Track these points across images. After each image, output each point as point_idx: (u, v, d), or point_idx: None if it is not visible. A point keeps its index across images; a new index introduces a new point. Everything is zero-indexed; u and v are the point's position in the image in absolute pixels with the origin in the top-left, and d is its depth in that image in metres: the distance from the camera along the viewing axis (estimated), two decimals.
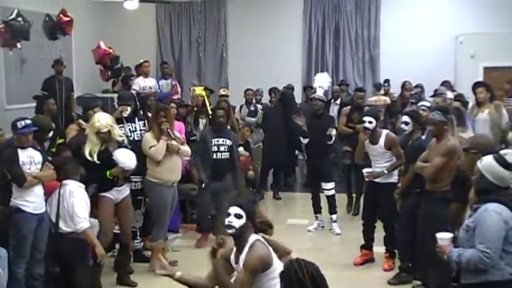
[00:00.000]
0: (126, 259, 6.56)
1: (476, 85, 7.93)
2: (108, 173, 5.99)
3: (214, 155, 7.48)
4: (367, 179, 6.74)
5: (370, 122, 6.60)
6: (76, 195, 5.63)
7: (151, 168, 6.53)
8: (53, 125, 6.52)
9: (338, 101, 11.29)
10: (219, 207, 7.48)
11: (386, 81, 11.97)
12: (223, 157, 7.49)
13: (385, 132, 6.75)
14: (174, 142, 6.57)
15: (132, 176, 6.49)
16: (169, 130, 6.54)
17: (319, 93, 8.24)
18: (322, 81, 8.49)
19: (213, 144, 7.49)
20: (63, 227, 5.64)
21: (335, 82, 12.59)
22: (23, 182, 5.44)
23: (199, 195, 7.81)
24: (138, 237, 7.00)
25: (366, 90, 9.92)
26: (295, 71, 13.50)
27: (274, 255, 3.70)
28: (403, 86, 11.21)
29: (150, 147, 6.45)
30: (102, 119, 6.03)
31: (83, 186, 5.77)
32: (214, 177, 7.46)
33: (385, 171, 6.56)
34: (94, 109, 7.08)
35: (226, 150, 7.51)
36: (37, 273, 5.66)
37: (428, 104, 7.17)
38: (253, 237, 3.69)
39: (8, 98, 10.58)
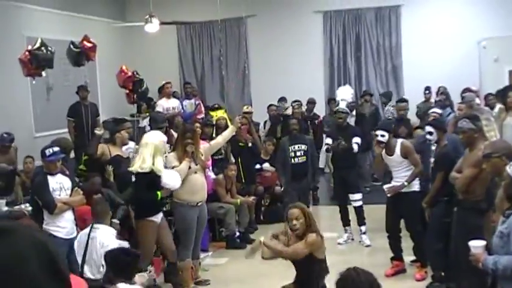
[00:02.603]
0: (177, 278, 6.52)
1: (508, 89, 7.83)
2: (159, 194, 5.99)
3: (292, 160, 8.23)
4: (389, 195, 6.71)
5: (382, 136, 6.63)
6: (108, 246, 5.36)
7: (177, 189, 6.54)
8: (72, 144, 6.57)
9: (354, 113, 11.22)
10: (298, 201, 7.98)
11: (428, 88, 11.76)
12: (300, 161, 8.25)
13: (399, 141, 6.76)
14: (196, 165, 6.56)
15: None
16: (193, 153, 6.53)
17: (342, 105, 8.29)
18: (344, 94, 8.56)
19: (290, 151, 8.24)
20: (88, 273, 5.49)
21: (358, 93, 12.57)
22: (54, 208, 5.53)
23: (284, 195, 8.51)
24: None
25: (408, 101, 9.65)
26: (318, 84, 13.50)
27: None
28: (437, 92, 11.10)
29: (173, 168, 6.45)
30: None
31: (114, 233, 5.64)
32: (294, 180, 8.18)
33: (405, 183, 6.53)
34: (121, 131, 7.19)
35: (302, 154, 8.28)
36: None
37: (439, 111, 7.13)
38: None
39: (36, 126, 10.76)
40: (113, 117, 11.99)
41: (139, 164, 6.01)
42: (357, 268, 2.80)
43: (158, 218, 6.15)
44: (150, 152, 6.06)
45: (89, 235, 5.58)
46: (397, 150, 6.62)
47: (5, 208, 6.98)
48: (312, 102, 11.55)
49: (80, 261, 5.56)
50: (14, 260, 0.67)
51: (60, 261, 0.73)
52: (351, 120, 11.01)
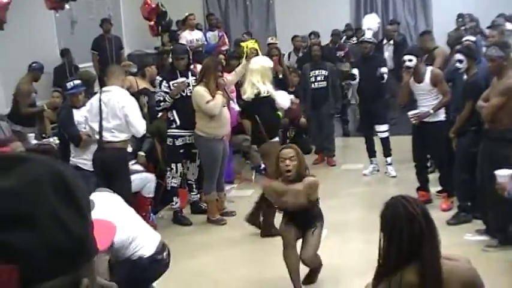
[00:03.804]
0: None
1: None
2: (280, 114, 6.39)
3: (312, 85, 8.53)
4: (413, 121, 6.61)
5: (410, 60, 6.43)
6: (124, 106, 5.60)
7: (203, 123, 6.50)
8: (95, 76, 6.62)
9: (392, 42, 10.99)
10: (320, 128, 8.74)
11: (460, 15, 11.23)
12: (320, 86, 8.55)
13: (429, 68, 6.57)
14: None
15: (184, 130, 6.58)
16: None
17: (368, 35, 8.13)
18: (370, 23, 8.38)
19: (310, 76, 8.54)
20: (109, 137, 5.65)
21: (385, 22, 12.28)
22: (79, 141, 5.60)
23: (307, 124, 8.98)
24: (194, 190, 7.12)
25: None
26: (344, 13, 13.20)
27: None
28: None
29: (207, 102, 6.39)
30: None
31: (127, 92, 5.80)
32: (314, 106, 8.57)
33: (431, 111, 6.42)
34: (151, 66, 7.18)
35: (322, 79, 8.54)
36: None
37: (473, 38, 6.91)
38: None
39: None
40: (137, 50, 12.01)
41: (252, 91, 6.41)
42: (404, 195, 2.69)
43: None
44: (257, 79, 6.42)
45: (100, 100, 5.64)
46: (427, 77, 6.46)
47: (34, 141, 7.10)
48: (336, 34, 11.32)
49: (96, 127, 5.65)
50: (29, 184, 0.67)
51: (78, 191, 0.72)
52: (389, 49, 10.82)
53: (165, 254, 4.00)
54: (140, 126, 5.70)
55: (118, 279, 3.70)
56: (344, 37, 11.76)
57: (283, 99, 6.61)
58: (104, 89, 5.78)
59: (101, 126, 5.65)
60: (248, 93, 6.51)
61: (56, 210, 0.68)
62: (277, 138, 6.74)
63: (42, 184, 0.68)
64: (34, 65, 8.22)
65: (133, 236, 3.78)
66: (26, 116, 7.96)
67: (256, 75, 6.38)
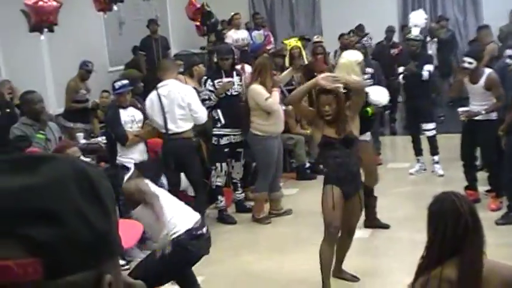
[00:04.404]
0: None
1: None
2: (369, 110, 5.65)
3: None
4: (462, 118, 6.50)
5: (470, 63, 6.33)
6: (186, 95, 5.91)
7: (259, 121, 6.52)
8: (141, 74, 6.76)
9: (435, 39, 10.81)
10: None
11: None
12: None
13: (487, 71, 6.44)
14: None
15: (229, 130, 6.63)
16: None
17: (415, 32, 7.99)
18: (417, 20, 8.23)
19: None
20: (174, 128, 5.93)
21: (434, 19, 12.07)
22: (125, 140, 5.71)
23: None
24: (239, 189, 7.16)
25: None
26: (391, 10, 13.02)
27: None
28: None
29: (267, 99, 6.43)
30: None
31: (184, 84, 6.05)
32: None
33: (483, 112, 6.30)
34: (199, 65, 7.26)
35: (369, 78, 7.91)
36: None
37: None
38: None
39: (111, 60, 10.99)
40: (183, 50, 12.14)
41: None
42: (454, 191, 2.70)
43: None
44: (342, 74, 6.06)
45: (158, 95, 5.90)
46: (482, 80, 6.36)
47: (83, 141, 7.27)
48: (390, 31, 11.19)
49: (160, 121, 5.92)
50: (54, 182, 0.70)
51: (102, 189, 0.75)
52: (433, 47, 10.65)
53: (204, 229, 4.20)
54: (203, 112, 6.08)
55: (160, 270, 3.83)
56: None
57: (379, 95, 6.05)
58: (160, 84, 6.00)
59: (165, 119, 5.89)
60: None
61: (80, 206, 0.70)
62: (367, 137, 6.01)
63: (67, 181, 0.71)
64: (83, 63, 8.40)
65: (171, 215, 4.04)
66: (77, 113, 8.14)
67: (341, 71, 6.10)
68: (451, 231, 2.49)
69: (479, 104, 6.40)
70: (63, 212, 0.69)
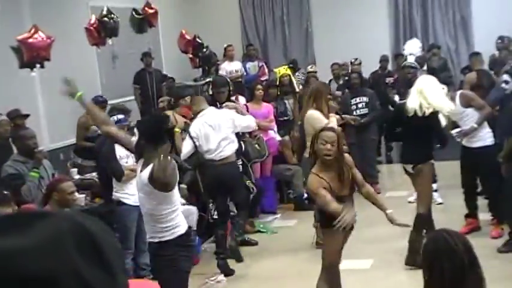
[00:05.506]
0: None
1: None
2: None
3: (354, 112, 8.54)
4: (458, 140, 6.48)
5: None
6: (226, 111, 6.24)
7: None
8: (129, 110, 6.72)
9: (425, 68, 10.81)
10: (363, 154, 8.38)
11: (501, 38, 10.81)
12: (362, 113, 8.56)
13: (458, 93, 6.54)
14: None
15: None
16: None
17: (410, 60, 8.03)
18: (412, 48, 8.30)
19: (352, 103, 8.57)
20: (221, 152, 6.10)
21: (425, 47, 12.12)
22: (121, 176, 5.61)
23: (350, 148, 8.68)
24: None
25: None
26: (383, 39, 13.06)
27: None
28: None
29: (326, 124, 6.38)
30: None
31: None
32: (356, 132, 8.44)
33: (475, 125, 6.28)
34: (185, 98, 7.19)
35: (364, 106, 8.58)
36: (144, 263, 5.83)
37: None
38: None
39: (104, 94, 10.93)
40: (177, 82, 12.13)
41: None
42: (447, 229, 2.64)
43: None
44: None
45: (204, 123, 6.03)
46: (457, 102, 6.35)
47: (77, 176, 7.17)
48: (385, 60, 11.23)
49: (212, 146, 6.02)
50: (48, 242, 0.64)
51: (105, 246, 0.67)
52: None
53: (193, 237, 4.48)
54: (249, 120, 6.37)
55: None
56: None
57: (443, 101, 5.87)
58: (200, 114, 6.11)
59: (219, 144, 6.02)
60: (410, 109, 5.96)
61: (79, 269, 0.63)
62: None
63: (63, 241, 0.64)
64: (96, 98, 8.24)
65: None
66: (87, 150, 7.92)
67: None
68: (448, 270, 2.42)
69: (467, 124, 6.41)
70: (59, 277, 0.61)
